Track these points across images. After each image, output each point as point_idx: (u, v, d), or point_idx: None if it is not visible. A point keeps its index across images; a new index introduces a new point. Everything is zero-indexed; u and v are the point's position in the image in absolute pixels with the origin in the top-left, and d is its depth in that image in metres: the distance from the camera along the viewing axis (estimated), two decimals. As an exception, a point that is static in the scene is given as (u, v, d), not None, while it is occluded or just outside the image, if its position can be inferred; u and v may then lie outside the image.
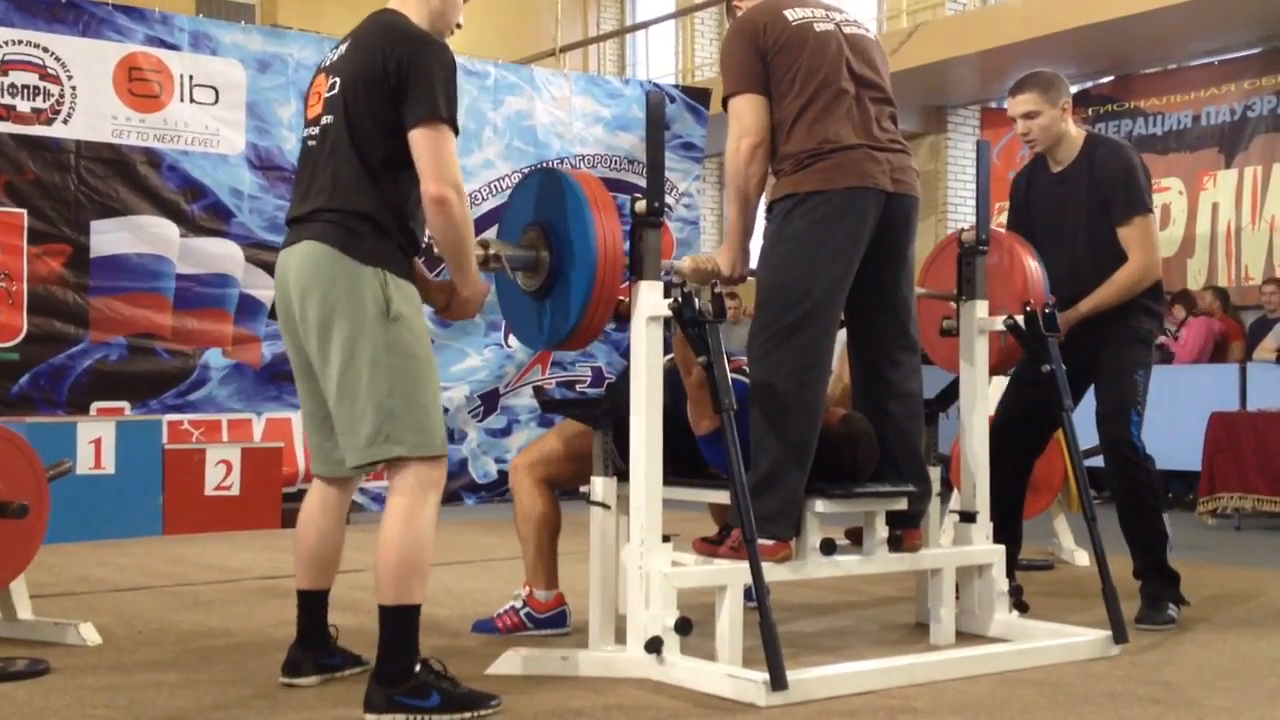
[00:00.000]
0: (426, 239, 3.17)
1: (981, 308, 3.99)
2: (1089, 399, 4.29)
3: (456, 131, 3.03)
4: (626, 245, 3.30)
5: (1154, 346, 4.38)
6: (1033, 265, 4.15)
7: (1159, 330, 4.39)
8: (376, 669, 2.98)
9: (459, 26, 3.28)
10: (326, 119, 3.10)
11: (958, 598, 3.92)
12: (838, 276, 3.52)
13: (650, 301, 3.32)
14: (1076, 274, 4.26)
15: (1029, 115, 4.31)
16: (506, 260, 3.30)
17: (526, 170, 8.25)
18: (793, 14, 3.62)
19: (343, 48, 3.17)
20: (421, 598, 2.99)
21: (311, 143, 3.16)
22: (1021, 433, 4.30)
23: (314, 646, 3.31)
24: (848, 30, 3.68)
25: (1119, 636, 3.68)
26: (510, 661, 3.39)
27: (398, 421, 2.98)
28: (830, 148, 3.52)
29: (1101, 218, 4.25)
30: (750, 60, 3.57)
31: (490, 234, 3.46)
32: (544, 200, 3.37)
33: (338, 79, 3.10)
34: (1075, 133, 4.37)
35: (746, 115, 3.56)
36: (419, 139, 2.96)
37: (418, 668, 2.96)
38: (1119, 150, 4.35)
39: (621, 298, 3.34)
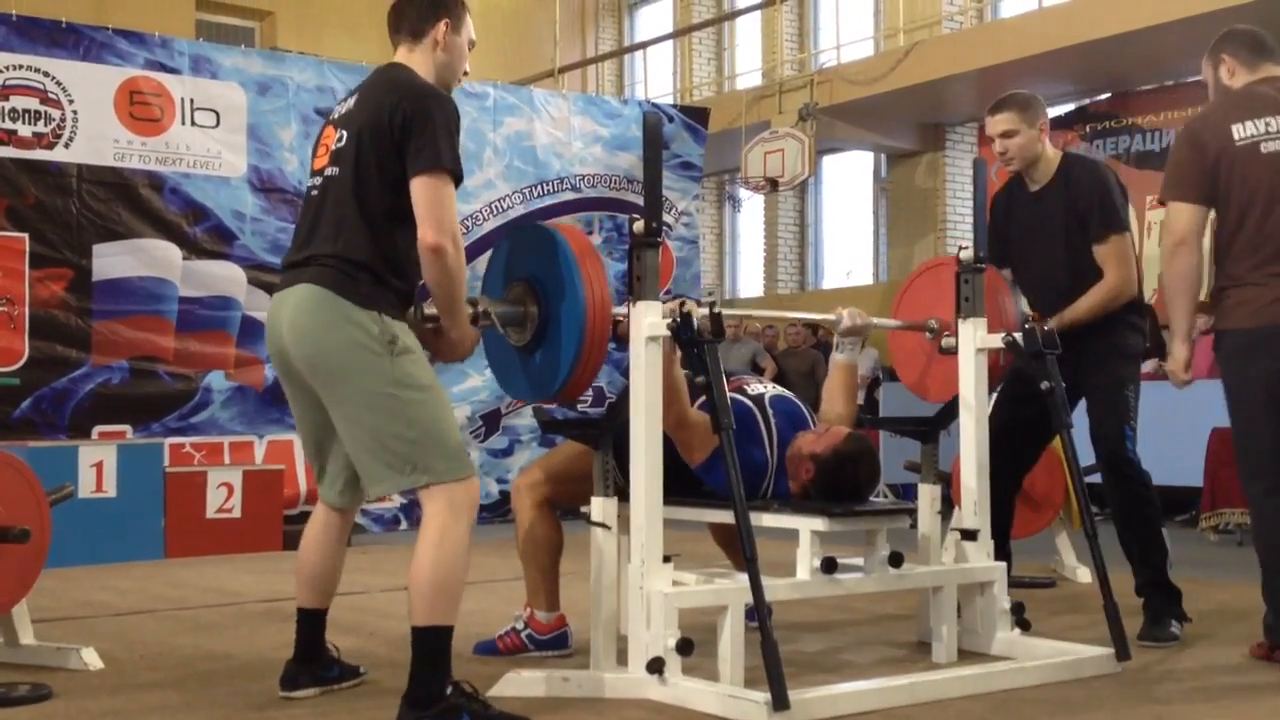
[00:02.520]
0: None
1: (980, 325, 4.00)
2: (1079, 415, 4.29)
3: (459, 181, 3.05)
4: (619, 269, 3.31)
5: (1141, 361, 4.41)
6: (1005, 301, 4.18)
7: (1145, 344, 4.42)
8: (408, 691, 2.99)
9: (465, 74, 3.33)
10: (331, 170, 3.15)
11: (959, 616, 3.92)
12: (1274, 412, 3.66)
13: (649, 321, 3.33)
14: (1054, 292, 4.29)
15: (1007, 134, 4.35)
16: (496, 317, 3.31)
17: (527, 190, 8.29)
18: (1240, 130, 3.67)
19: (351, 101, 3.23)
20: (454, 619, 3.00)
21: (314, 192, 3.20)
22: (1011, 450, 4.29)
23: (310, 661, 3.37)
24: None
25: (1121, 654, 3.68)
26: (512, 683, 3.38)
27: (423, 451, 3.01)
28: (1233, 283, 3.69)
29: (1078, 236, 4.28)
30: (1188, 169, 3.73)
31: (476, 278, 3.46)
32: (528, 255, 3.39)
33: (345, 132, 3.14)
34: (1052, 153, 4.42)
35: (1172, 218, 3.75)
36: (419, 188, 2.99)
37: (449, 690, 2.97)
38: (1094, 169, 4.41)
39: (620, 319, 3.36)
